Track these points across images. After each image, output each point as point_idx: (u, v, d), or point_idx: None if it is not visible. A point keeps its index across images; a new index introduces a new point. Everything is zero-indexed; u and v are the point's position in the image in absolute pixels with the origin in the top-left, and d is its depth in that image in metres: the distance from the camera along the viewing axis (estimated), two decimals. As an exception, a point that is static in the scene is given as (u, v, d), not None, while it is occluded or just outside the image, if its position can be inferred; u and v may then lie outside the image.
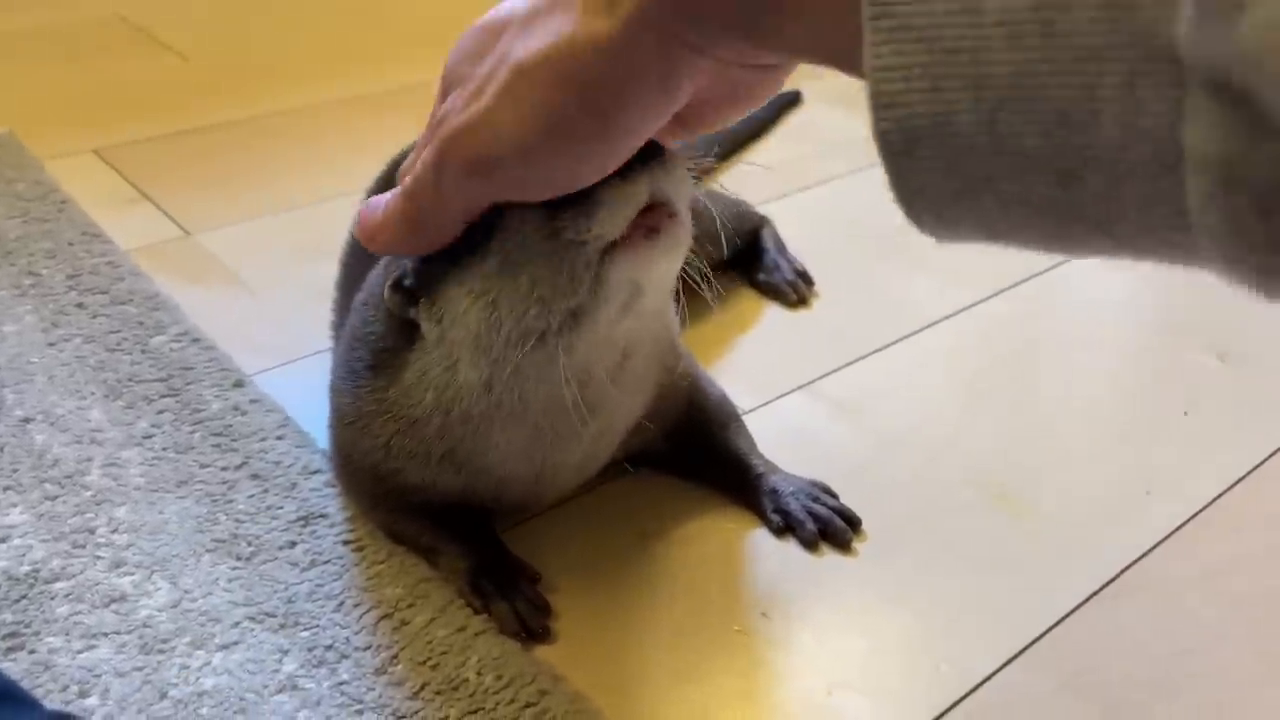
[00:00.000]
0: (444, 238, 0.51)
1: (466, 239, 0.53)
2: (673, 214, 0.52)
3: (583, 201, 0.50)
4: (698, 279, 0.56)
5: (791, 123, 1.30)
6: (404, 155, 0.80)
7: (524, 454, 0.61)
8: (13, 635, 0.59)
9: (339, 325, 0.76)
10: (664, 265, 0.54)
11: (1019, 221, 0.32)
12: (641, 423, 0.66)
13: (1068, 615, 0.63)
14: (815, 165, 1.19)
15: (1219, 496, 0.72)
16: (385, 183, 0.79)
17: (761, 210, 1.00)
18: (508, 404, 0.57)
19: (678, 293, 0.59)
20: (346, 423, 0.64)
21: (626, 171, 0.49)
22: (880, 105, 0.31)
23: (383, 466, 0.63)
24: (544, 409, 0.57)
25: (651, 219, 0.52)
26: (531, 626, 0.60)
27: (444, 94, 0.48)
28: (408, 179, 0.49)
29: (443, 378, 0.57)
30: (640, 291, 0.54)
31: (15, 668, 0.57)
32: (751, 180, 1.11)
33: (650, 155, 0.50)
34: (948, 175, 0.31)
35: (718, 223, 0.58)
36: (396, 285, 0.57)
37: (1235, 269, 0.29)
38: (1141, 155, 0.28)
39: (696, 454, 0.72)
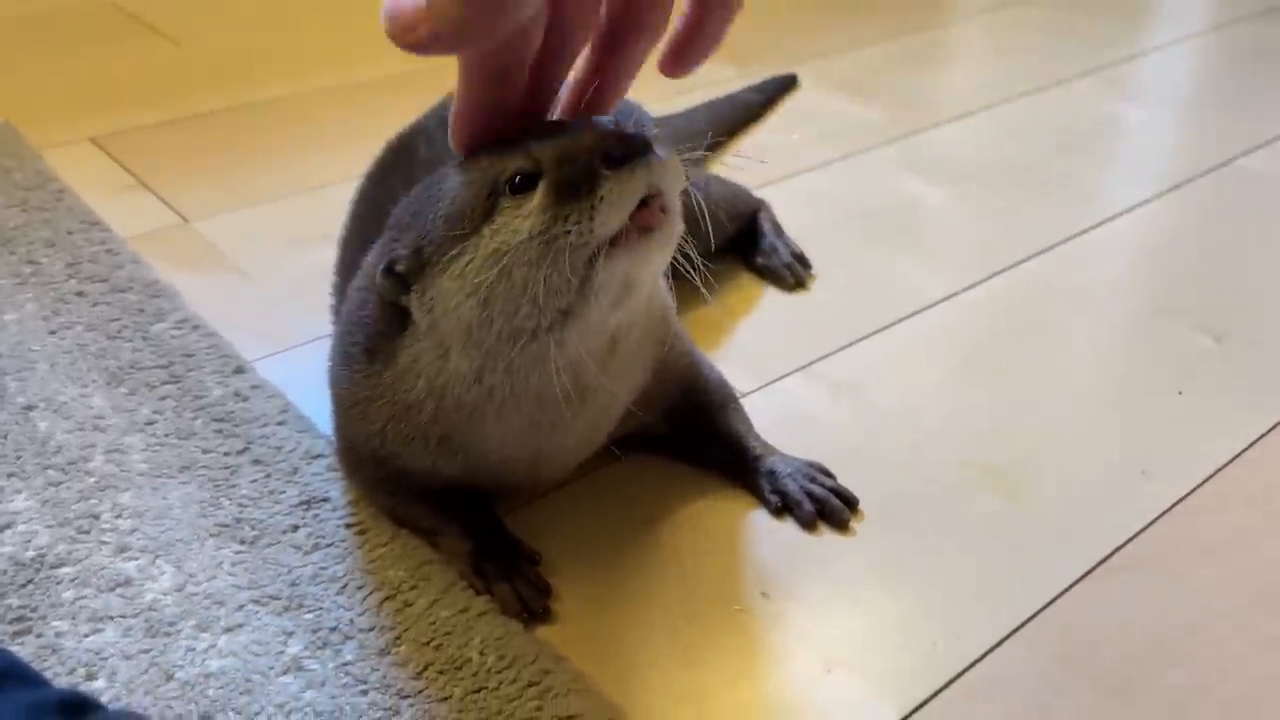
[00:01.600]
0: (516, 18, 0.42)
1: (459, 228, 0.53)
2: (665, 208, 0.53)
3: (584, 199, 0.50)
4: (689, 268, 0.56)
5: (788, 107, 1.30)
6: (401, 139, 0.80)
7: (519, 439, 0.61)
8: (20, 620, 0.59)
9: (339, 309, 0.76)
10: (657, 261, 0.55)
11: None
12: (639, 400, 0.66)
13: (1063, 593, 0.64)
14: (812, 149, 1.19)
15: (1213, 475, 0.73)
16: (383, 168, 0.79)
17: (759, 194, 1.01)
18: (499, 394, 0.57)
19: (668, 274, 0.59)
20: (344, 408, 0.64)
21: (624, 164, 0.50)
22: None
23: (381, 451, 0.63)
24: (536, 398, 0.58)
25: (645, 216, 0.52)
26: (533, 608, 0.61)
27: None
28: None
29: (434, 365, 0.58)
30: (632, 286, 0.55)
31: (23, 652, 0.57)
32: (748, 164, 1.12)
33: (644, 148, 0.51)
34: None
35: (700, 209, 0.58)
36: (389, 270, 0.57)
37: None
38: None
39: (695, 436, 0.72)
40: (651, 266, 0.55)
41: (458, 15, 0.39)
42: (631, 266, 0.53)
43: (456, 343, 0.56)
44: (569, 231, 0.51)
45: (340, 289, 0.77)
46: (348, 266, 0.76)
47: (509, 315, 0.53)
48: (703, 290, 0.57)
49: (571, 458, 0.66)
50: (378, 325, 0.60)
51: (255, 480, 0.69)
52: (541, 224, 0.51)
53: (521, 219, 0.52)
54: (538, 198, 0.52)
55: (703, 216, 0.59)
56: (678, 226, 0.54)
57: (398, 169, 0.76)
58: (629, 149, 0.51)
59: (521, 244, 0.52)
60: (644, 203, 0.51)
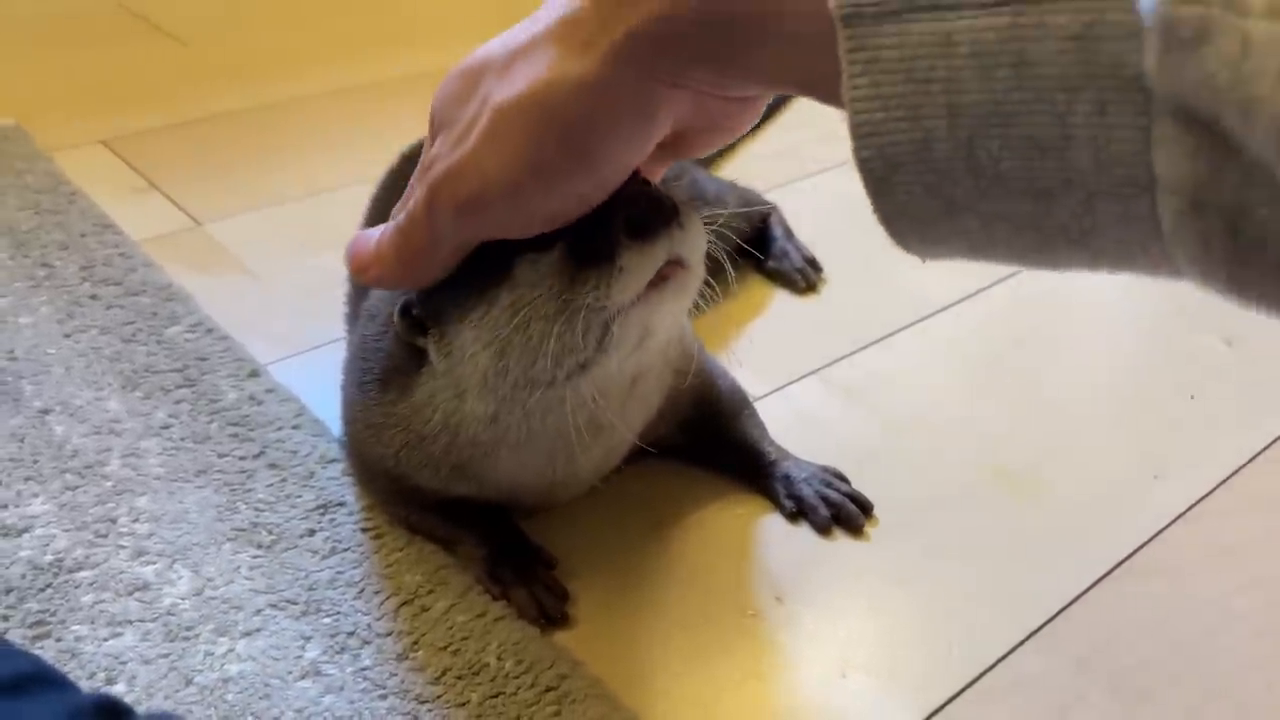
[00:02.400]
0: (435, 274, 0.52)
1: (479, 280, 0.53)
2: (684, 265, 0.52)
3: (604, 267, 0.50)
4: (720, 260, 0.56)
5: (797, 108, 1.30)
6: (415, 150, 0.81)
7: (533, 471, 0.61)
8: (39, 624, 0.60)
9: (353, 317, 0.76)
10: (672, 310, 0.54)
11: (999, 238, 0.33)
12: (653, 420, 0.66)
13: (1077, 598, 0.64)
14: (822, 151, 1.19)
15: (1226, 479, 0.73)
16: (395, 177, 0.79)
17: (769, 197, 1.01)
18: (515, 434, 0.58)
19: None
20: (358, 428, 0.65)
21: (646, 234, 0.49)
22: (861, 134, 0.32)
23: (394, 471, 0.63)
24: (552, 436, 0.58)
25: (663, 271, 0.51)
26: (550, 612, 0.61)
27: (432, 137, 0.49)
28: (401, 216, 0.50)
29: (451, 404, 0.58)
30: (649, 335, 0.54)
31: (42, 656, 0.57)
32: (759, 167, 1.12)
33: (668, 217, 0.50)
34: (928, 197, 0.33)
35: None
36: (405, 311, 0.57)
37: (1209, 280, 0.31)
38: (1114, 178, 0.30)
39: (709, 442, 0.72)
40: (666, 316, 0.54)
41: (396, 267, 0.51)
42: (648, 318, 0.53)
43: (473, 387, 0.56)
44: (586, 296, 0.50)
45: (355, 297, 0.77)
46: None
47: (525, 366, 0.53)
48: (700, 302, 0.57)
49: (585, 481, 0.66)
50: (393, 360, 0.60)
51: (271, 484, 0.70)
52: (559, 285, 0.51)
53: (539, 276, 0.51)
54: (555, 257, 0.51)
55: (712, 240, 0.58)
56: (697, 280, 0.54)
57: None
58: (652, 218, 0.50)
59: (538, 301, 0.51)
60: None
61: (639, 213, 0.49)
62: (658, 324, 0.54)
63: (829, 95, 0.35)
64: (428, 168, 0.48)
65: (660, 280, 0.52)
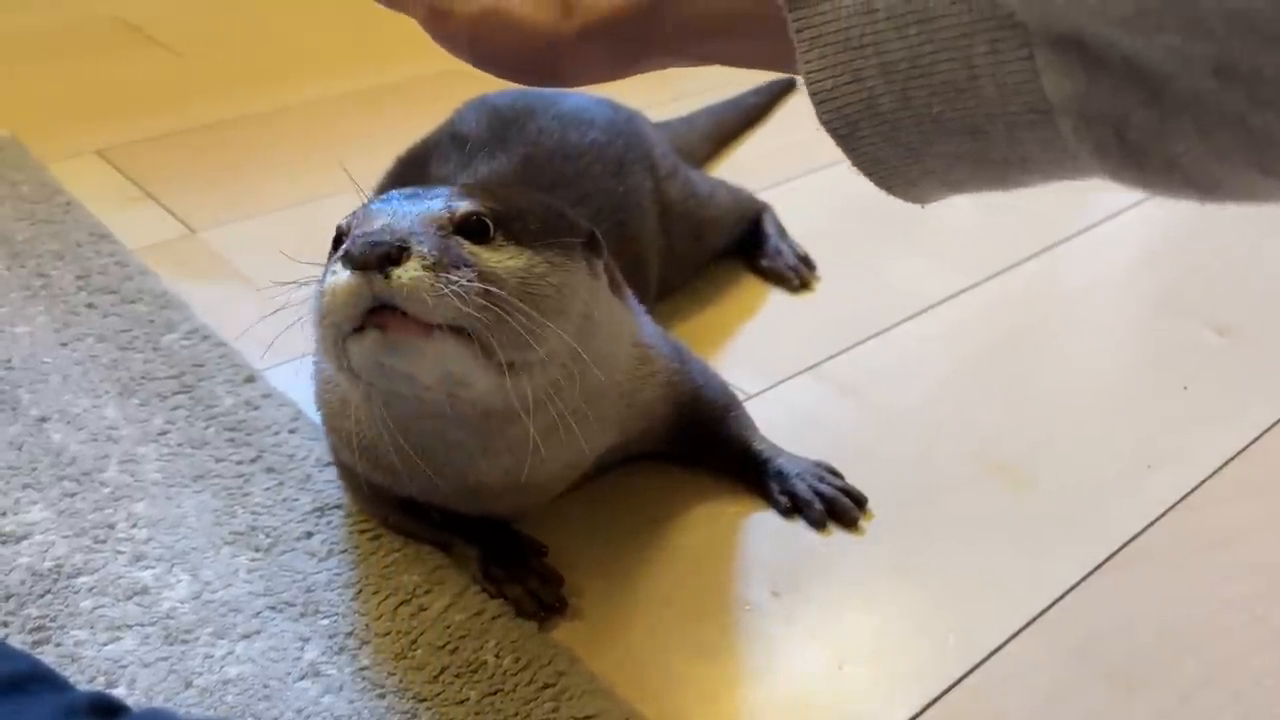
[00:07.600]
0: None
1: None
2: (406, 318, 0.50)
3: (324, 284, 0.53)
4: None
5: (788, 108, 1.31)
6: (410, 153, 0.81)
7: (478, 460, 0.60)
8: (39, 629, 0.60)
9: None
10: (409, 364, 0.52)
11: (961, 172, 0.37)
12: (643, 437, 0.68)
13: (1072, 588, 0.64)
14: (814, 150, 1.19)
15: (1220, 469, 0.74)
16: (394, 179, 0.79)
17: (762, 196, 1.01)
18: (392, 414, 0.57)
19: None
20: (327, 411, 0.66)
21: (351, 265, 0.50)
22: (819, 101, 0.37)
23: (358, 467, 0.63)
24: (432, 432, 0.59)
25: (379, 317, 0.50)
26: (545, 599, 0.62)
27: None
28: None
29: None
30: (398, 374, 0.53)
31: (42, 661, 0.58)
32: (751, 167, 1.12)
33: (378, 261, 0.49)
34: (889, 146, 0.37)
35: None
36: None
37: (1119, 179, 0.35)
38: (1020, 107, 0.33)
39: (701, 445, 0.72)
40: (403, 365, 0.52)
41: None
42: (378, 356, 0.52)
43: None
44: (319, 307, 0.54)
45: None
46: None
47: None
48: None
49: (553, 487, 0.65)
50: None
51: (268, 488, 0.70)
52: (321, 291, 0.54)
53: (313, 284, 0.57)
54: (335, 266, 0.53)
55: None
56: (432, 344, 0.51)
57: (408, 185, 0.76)
58: (360, 254, 0.49)
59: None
60: (385, 307, 0.50)
61: (355, 244, 0.50)
62: (397, 367, 0.52)
63: (793, 69, 0.38)
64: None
65: (378, 326, 0.50)
